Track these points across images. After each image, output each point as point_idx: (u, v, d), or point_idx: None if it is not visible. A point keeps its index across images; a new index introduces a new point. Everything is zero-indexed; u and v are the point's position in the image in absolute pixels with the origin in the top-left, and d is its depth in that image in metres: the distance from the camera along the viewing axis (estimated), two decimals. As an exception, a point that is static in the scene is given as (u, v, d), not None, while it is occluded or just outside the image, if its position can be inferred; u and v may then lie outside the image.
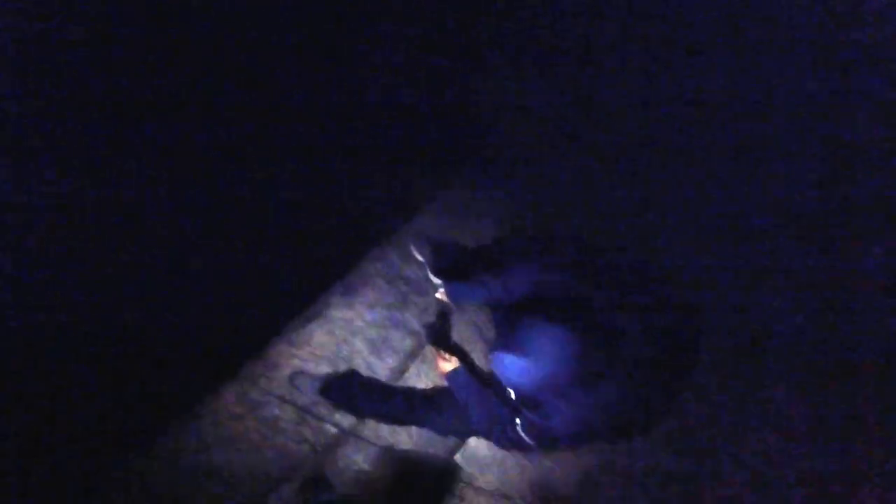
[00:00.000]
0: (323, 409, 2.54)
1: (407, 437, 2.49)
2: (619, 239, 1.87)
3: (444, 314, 2.80)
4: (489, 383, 2.39)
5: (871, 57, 1.76)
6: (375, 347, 2.76)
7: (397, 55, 2.54)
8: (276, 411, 2.53)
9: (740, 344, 2.08)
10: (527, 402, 2.23)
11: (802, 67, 1.77)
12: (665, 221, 1.78)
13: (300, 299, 2.83)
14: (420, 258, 2.96)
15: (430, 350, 2.65)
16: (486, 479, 2.27)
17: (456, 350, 2.60)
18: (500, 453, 2.34)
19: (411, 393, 2.58)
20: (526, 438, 2.23)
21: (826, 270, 1.88)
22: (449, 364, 2.48)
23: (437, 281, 2.90)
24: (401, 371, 2.73)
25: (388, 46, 2.56)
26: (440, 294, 2.73)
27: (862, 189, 1.80)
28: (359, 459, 2.44)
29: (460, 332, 2.83)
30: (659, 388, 2.03)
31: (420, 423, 2.46)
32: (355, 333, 2.77)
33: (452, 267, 2.88)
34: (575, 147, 1.96)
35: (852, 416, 1.82)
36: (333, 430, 2.51)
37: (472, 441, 2.45)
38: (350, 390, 2.54)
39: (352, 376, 2.60)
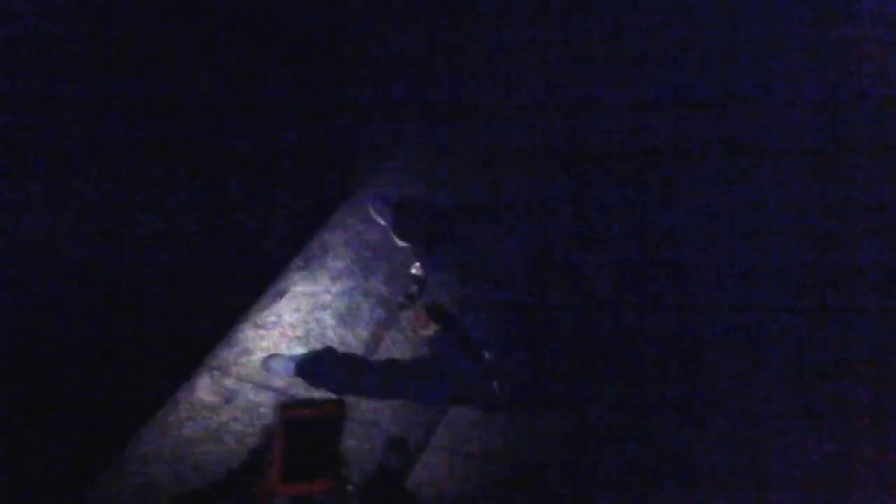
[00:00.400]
0: (302, 390, 2.53)
1: (390, 411, 2.54)
2: (614, 238, 1.78)
3: (416, 279, 2.75)
4: (468, 344, 2.40)
5: (865, 54, 1.67)
6: (346, 320, 2.72)
7: (390, 53, 2.29)
8: (255, 398, 2.51)
9: (735, 342, 2.07)
10: (503, 360, 2.28)
11: (797, 65, 1.69)
12: (659, 221, 1.71)
13: (261, 278, 2.71)
14: (382, 222, 2.84)
15: (406, 317, 2.61)
16: (472, 446, 2.37)
17: (433, 313, 2.58)
18: (482, 419, 2.42)
19: (389, 364, 2.59)
20: (506, 396, 2.29)
21: (821, 268, 1.86)
22: (428, 329, 2.47)
23: (402, 244, 2.81)
24: (375, 342, 2.72)
25: (382, 45, 2.31)
26: (415, 269, 2.67)
27: (857, 187, 1.75)
28: (344, 438, 2.48)
29: (432, 292, 2.81)
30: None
31: (401, 395, 2.49)
32: (324, 308, 2.71)
33: (418, 229, 2.79)
34: (568, 146, 1.81)
35: (848, 414, 1.84)
36: (314, 411, 2.52)
37: (455, 410, 2.52)
38: (326, 368, 2.52)
39: (326, 354, 2.57)
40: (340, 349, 2.61)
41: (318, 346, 2.61)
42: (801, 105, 1.69)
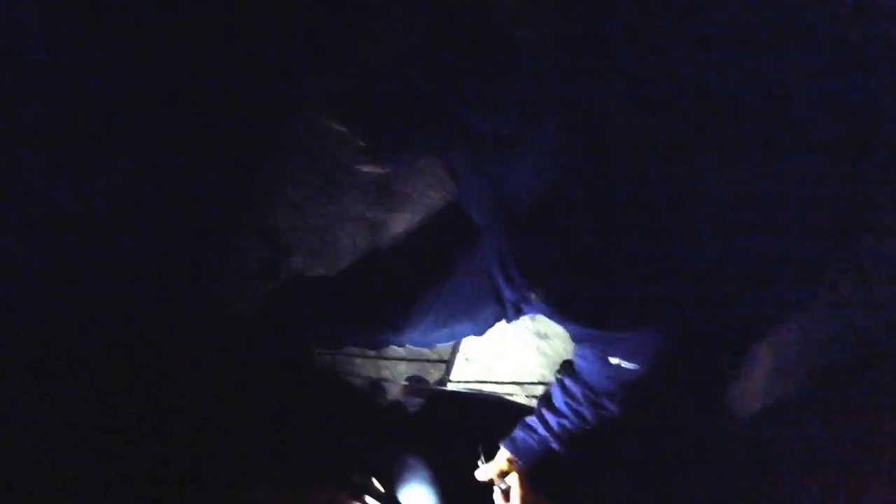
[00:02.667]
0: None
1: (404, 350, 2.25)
2: (630, 231, 1.53)
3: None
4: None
5: (884, 53, 1.59)
6: (322, 257, 2.28)
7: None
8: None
9: (752, 336, 2.01)
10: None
11: (820, 61, 1.60)
12: (678, 214, 1.54)
13: (211, 245, 2.22)
14: (340, 127, 2.20)
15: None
16: (502, 372, 2.18)
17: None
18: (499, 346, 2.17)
19: (374, 310, 2.15)
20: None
21: (839, 262, 1.85)
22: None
23: (364, 143, 2.22)
24: (361, 272, 2.31)
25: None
26: (371, 167, 2.08)
27: (879, 182, 1.73)
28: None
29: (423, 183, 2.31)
30: None
31: (406, 339, 2.14)
32: (292, 251, 2.26)
33: (383, 122, 2.15)
34: (587, 143, 1.57)
35: (864, 409, 1.87)
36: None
37: (466, 342, 2.23)
38: (306, 326, 2.15)
39: (301, 308, 2.16)
40: (317, 295, 2.20)
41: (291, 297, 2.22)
42: (823, 100, 1.60)
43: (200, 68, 2.09)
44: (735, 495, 1.95)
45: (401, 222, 2.31)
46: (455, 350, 2.29)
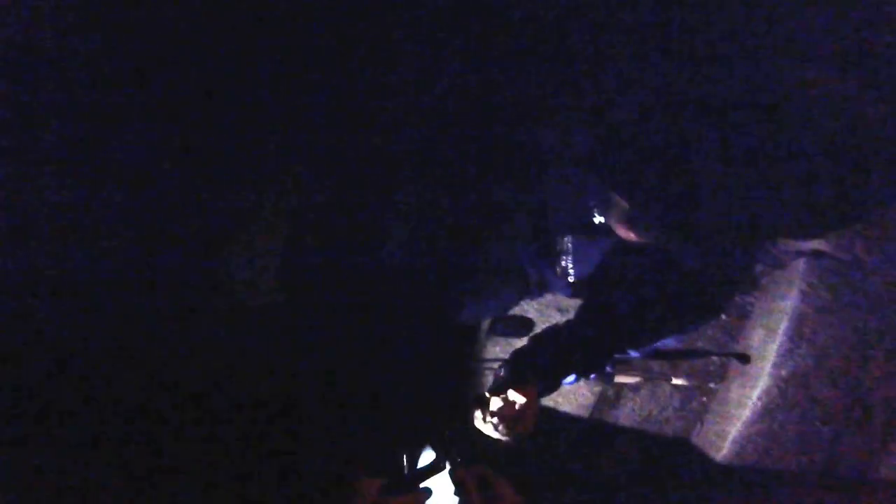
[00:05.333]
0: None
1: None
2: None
3: None
4: None
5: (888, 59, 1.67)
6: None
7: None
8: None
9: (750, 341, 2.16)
10: None
11: (821, 70, 1.70)
12: (680, 223, 1.60)
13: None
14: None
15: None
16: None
17: None
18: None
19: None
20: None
21: (839, 270, 1.97)
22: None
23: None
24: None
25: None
26: None
27: (879, 191, 1.81)
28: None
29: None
30: None
31: None
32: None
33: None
34: (592, 150, 1.73)
35: (861, 409, 1.96)
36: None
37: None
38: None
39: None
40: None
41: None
42: (823, 108, 1.69)
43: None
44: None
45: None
46: (479, 328, 2.30)
